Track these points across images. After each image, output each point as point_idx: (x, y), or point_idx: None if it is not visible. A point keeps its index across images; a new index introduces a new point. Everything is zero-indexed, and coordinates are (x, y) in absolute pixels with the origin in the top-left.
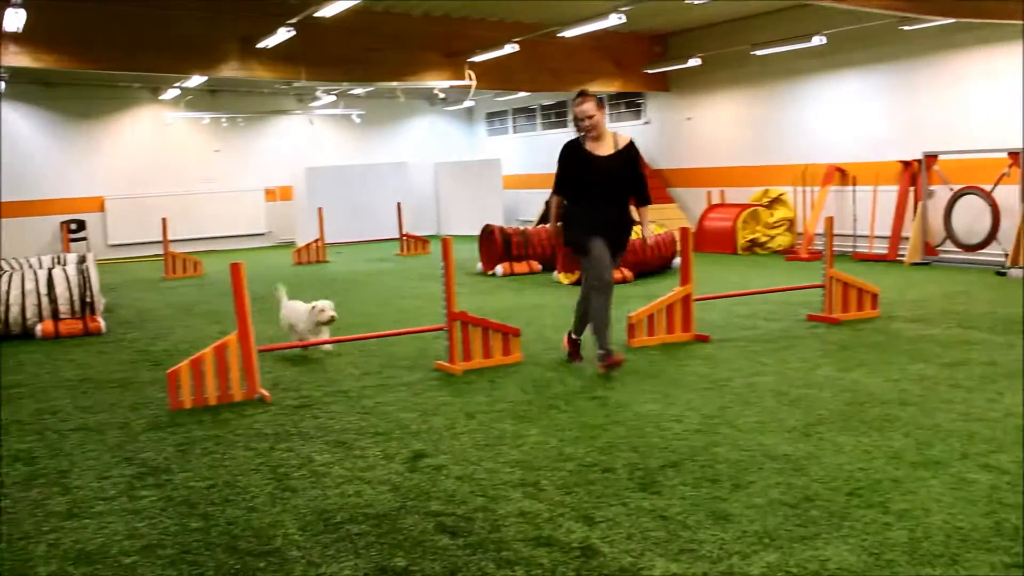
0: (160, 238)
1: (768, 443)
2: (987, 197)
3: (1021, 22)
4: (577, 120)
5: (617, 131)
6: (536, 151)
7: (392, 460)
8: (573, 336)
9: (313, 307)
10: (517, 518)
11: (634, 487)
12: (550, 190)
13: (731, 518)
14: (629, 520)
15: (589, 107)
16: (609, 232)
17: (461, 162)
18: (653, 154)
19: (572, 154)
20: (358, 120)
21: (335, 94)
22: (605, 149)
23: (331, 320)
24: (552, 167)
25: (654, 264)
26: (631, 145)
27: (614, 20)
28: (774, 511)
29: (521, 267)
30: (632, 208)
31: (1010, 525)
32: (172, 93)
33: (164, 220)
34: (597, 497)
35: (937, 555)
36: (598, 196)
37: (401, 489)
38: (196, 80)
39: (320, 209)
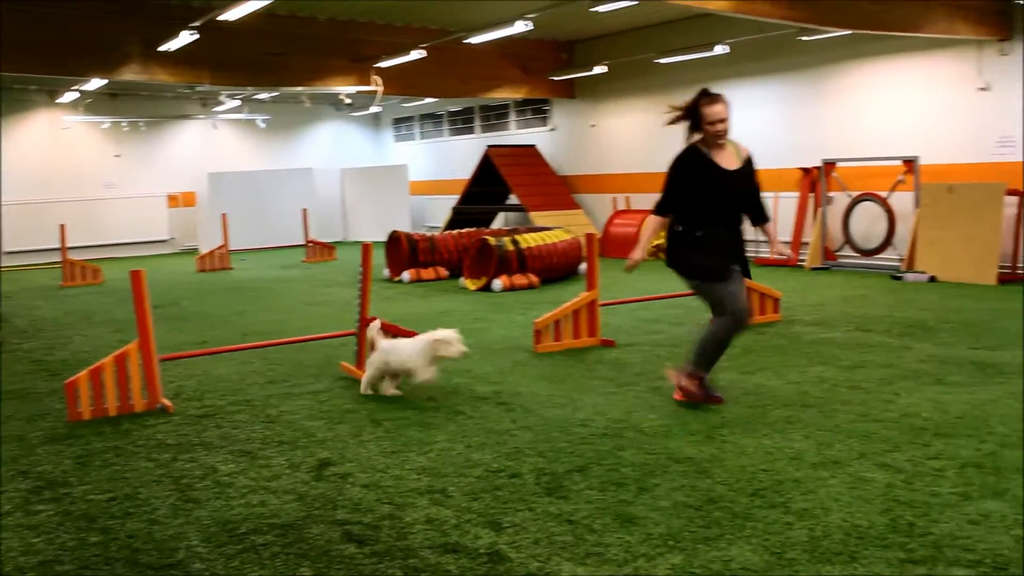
0: (58, 245)
1: (673, 446)
2: (883, 203)
3: (917, 34)
4: (706, 123)
5: (737, 140)
6: (443, 157)
7: (298, 469)
8: (696, 373)
9: (435, 339)
10: (424, 525)
11: (541, 492)
12: (457, 197)
13: (637, 521)
14: (536, 525)
15: (723, 109)
16: (739, 257)
17: (367, 168)
18: (559, 161)
19: (695, 166)
20: (263, 125)
21: (239, 99)
22: (730, 161)
23: (460, 356)
24: (461, 173)
25: (560, 270)
26: (752, 159)
27: (521, 27)
28: (679, 513)
29: (428, 273)
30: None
31: (905, 522)
32: (70, 96)
33: (62, 227)
34: (504, 503)
35: (836, 553)
36: (722, 216)
37: (307, 498)
38: (95, 83)
39: (224, 215)
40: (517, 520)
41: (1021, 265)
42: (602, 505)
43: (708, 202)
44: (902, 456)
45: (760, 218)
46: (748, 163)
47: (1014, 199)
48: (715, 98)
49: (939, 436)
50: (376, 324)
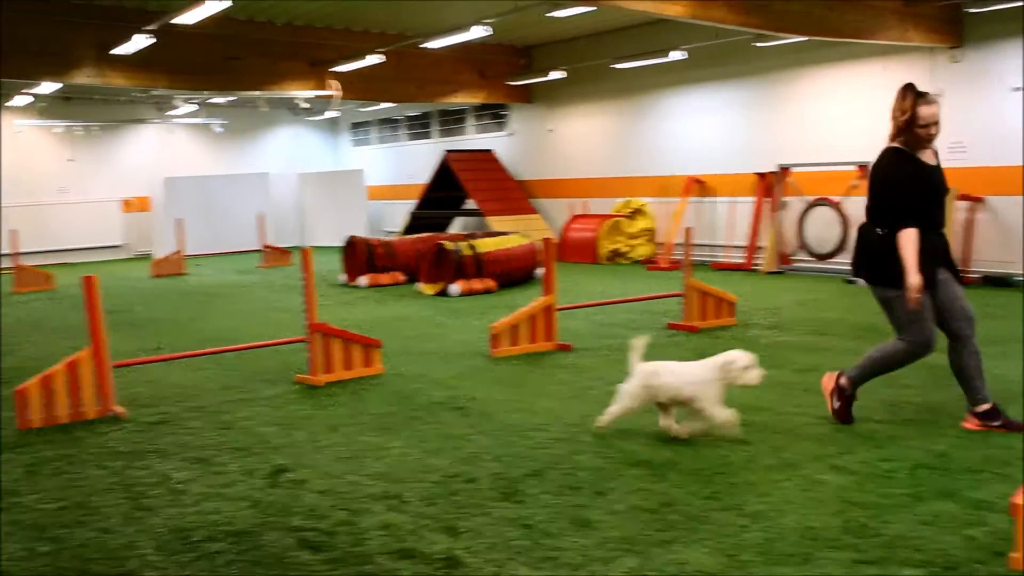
0: (8, 250)
1: (629, 450)
2: (837, 208)
3: (870, 40)
4: (919, 126)
5: None
6: (401, 162)
7: (252, 476)
8: (986, 408)
9: (728, 362)
10: (380, 531)
11: (497, 497)
12: (415, 202)
13: (593, 525)
14: (492, 530)
15: (937, 110)
16: (948, 262)
17: (325, 173)
18: (517, 165)
19: (915, 169)
20: (219, 130)
21: (195, 103)
22: (934, 159)
23: (759, 382)
24: (419, 178)
25: (518, 274)
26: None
27: (479, 32)
28: (634, 517)
29: (385, 278)
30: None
31: (857, 523)
32: (22, 100)
33: (13, 232)
34: (460, 508)
35: (790, 554)
36: (938, 217)
37: (262, 505)
38: (49, 87)
39: (179, 220)
40: (473, 525)
41: (973, 269)
42: (558, 509)
43: (931, 208)
44: (855, 458)
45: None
46: (938, 163)
47: (965, 204)
48: (929, 99)
49: (891, 438)
50: (641, 341)
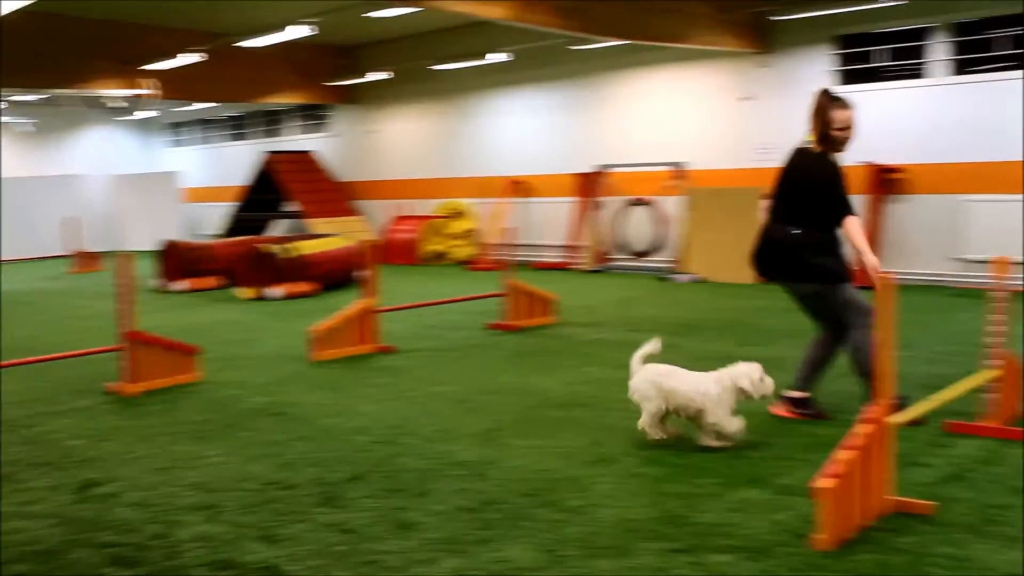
0: None
1: (450, 450)
2: (654, 207)
3: (684, 45)
4: (835, 128)
5: None
6: (221, 163)
7: (59, 491)
8: (801, 395)
9: (736, 375)
10: (196, 542)
11: (318, 502)
12: (234, 204)
13: (415, 526)
14: (313, 536)
15: (852, 114)
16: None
17: (140, 175)
18: (339, 167)
19: (836, 167)
20: (30, 129)
21: (3, 102)
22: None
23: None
24: (238, 179)
25: (339, 277)
26: None
27: (300, 31)
28: (456, 517)
29: (204, 282)
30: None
31: (672, 513)
32: None
33: None
34: (280, 515)
35: (608, 547)
36: (839, 218)
37: (69, 521)
38: None
39: None
40: (293, 532)
41: None
42: (379, 512)
43: (837, 205)
44: (670, 450)
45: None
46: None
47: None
48: (845, 103)
49: None
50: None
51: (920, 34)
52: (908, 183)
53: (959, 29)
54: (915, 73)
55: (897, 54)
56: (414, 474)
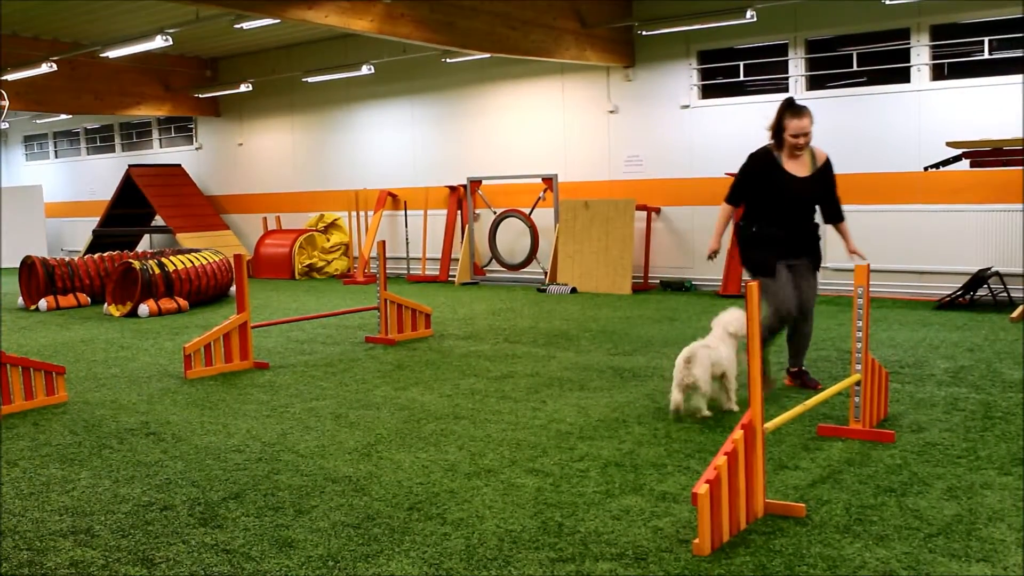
0: None
1: (329, 466)
2: (526, 219)
3: (551, 59)
4: (788, 135)
5: (816, 145)
6: (82, 177)
7: None
8: (793, 370)
9: (733, 321)
10: (68, 570)
11: (195, 523)
12: (97, 219)
13: (295, 544)
14: (191, 558)
15: (808, 124)
16: (805, 253)
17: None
18: (206, 180)
19: (763, 168)
20: None
21: None
22: (803, 169)
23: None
24: (101, 194)
25: (210, 292)
26: (829, 162)
27: (160, 42)
28: (337, 533)
29: (68, 300)
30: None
31: (555, 523)
32: None
33: None
34: (155, 537)
35: (491, 558)
36: (787, 218)
37: None
38: None
39: None
40: (170, 554)
41: (652, 275)
42: (259, 531)
43: (767, 202)
44: (550, 460)
45: (835, 217)
46: (822, 169)
47: (643, 214)
48: (800, 112)
49: (583, 439)
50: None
51: (778, 50)
52: None
53: (813, 46)
54: (776, 88)
55: (758, 69)
56: (294, 491)
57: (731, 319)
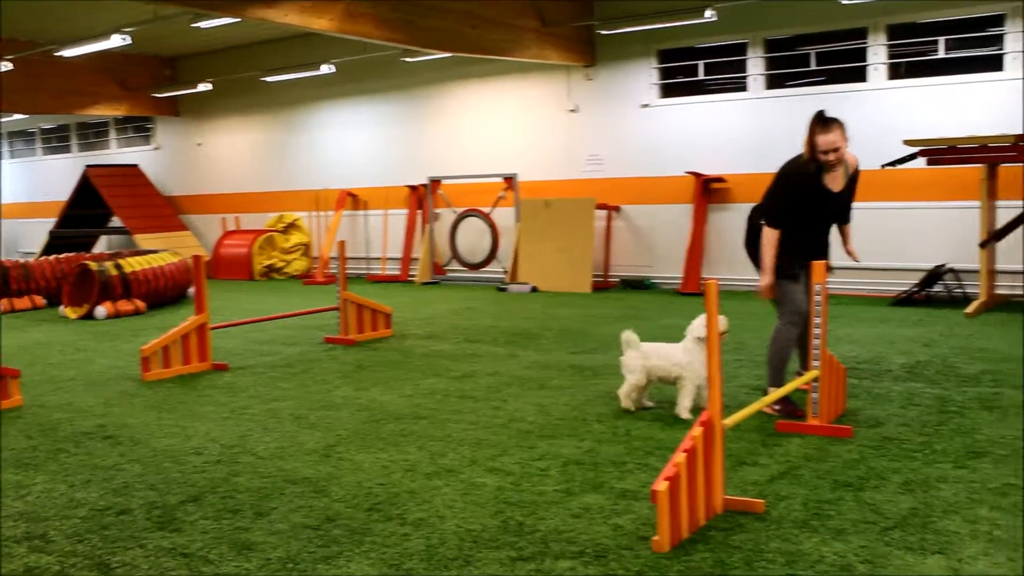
0: None
1: (289, 468)
2: (487, 219)
3: (511, 58)
4: (819, 152)
5: (850, 153)
6: (37, 177)
7: None
8: (771, 388)
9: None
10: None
11: (152, 527)
12: (54, 220)
13: (254, 547)
14: (148, 562)
15: (837, 138)
16: (813, 259)
17: None
18: (165, 181)
19: (806, 189)
20: None
21: None
22: (839, 182)
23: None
24: (58, 194)
25: (169, 294)
26: (858, 169)
27: (118, 41)
28: (297, 535)
29: (23, 303)
30: None
31: (515, 522)
32: None
33: None
34: (112, 542)
35: (452, 558)
36: (817, 229)
37: None
38: None
39: None
40: (127, 559)
41: (612, 274)
42: (218, 534)
43: (802, 216)
44: (511, 459)
45: (844, 219)
46: (853, 179)
47: (603, 212)
48: (828, 126)
49: (543, 438)
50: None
51: (738, 49)
52: (730, 193)
53: (772, 45)
54: (735, 87)
55: (718, 68)
56: (253, 493)
57: (699, 324)
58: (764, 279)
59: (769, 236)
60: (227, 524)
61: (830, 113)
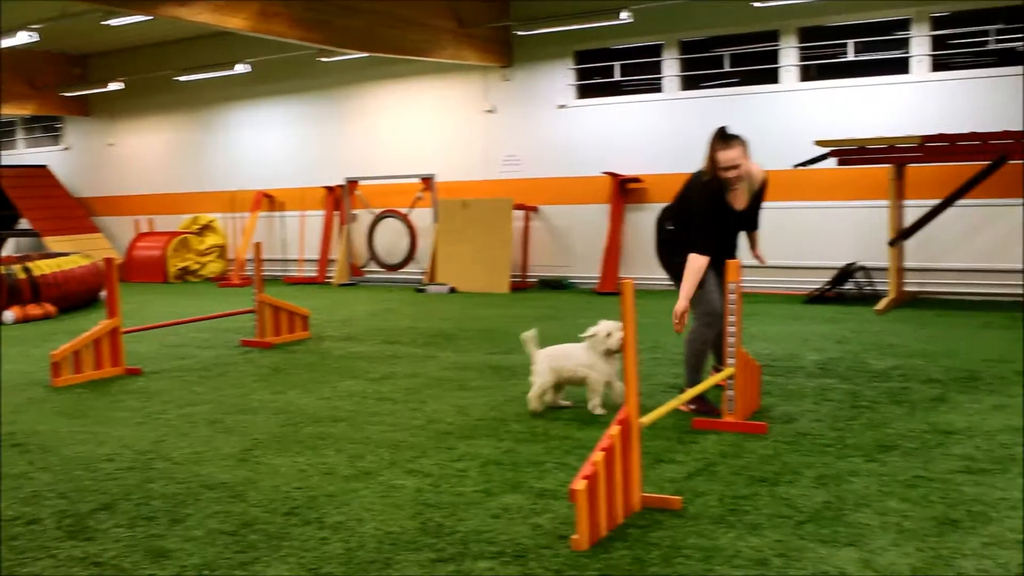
0: None
1: (205, 473)
2: (404, 219)
3: (428, 59)
4: (719, 168)
5: (752, 164)
6: None
7: None
8: (688, 388)
9: (593, 336)
10: None
11: (64, 536)
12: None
13: (169, 554)
14: (59, 572)
15: (738, 155)
16: (722, 261)
17: None
18: (75, 182)
19: (715, 207)
20: None
21: None
22: (742, 200)
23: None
24: None
25: (80, 297)
26: (765, 183)
27: (25, 38)
28: (213, 541)
29: None
30: None
31: (434, 523)
32: None
33: None
34: (21, 553)
35: (371, 561)
36: (723, 240)
37: None
38: None
39: None
40: (37, 570)
41: (531, 274)
42: (132, 542)
43: (693, 232)
44: (430, 461)
45: (752, 227)
46: (758, 194)
47: (521, 213)
48: (729, 143)
49: (462, 439)
50: (531, 333)
51: (653, 51)
52: (646, 193)
53: (687, 47)
54: (651, 88)
55: (634, 69)
56: (168, 500)
57: (599, 329)
58: (681, 304)
59: (696, 264)
60: (141, 532)
61: (732, 129)
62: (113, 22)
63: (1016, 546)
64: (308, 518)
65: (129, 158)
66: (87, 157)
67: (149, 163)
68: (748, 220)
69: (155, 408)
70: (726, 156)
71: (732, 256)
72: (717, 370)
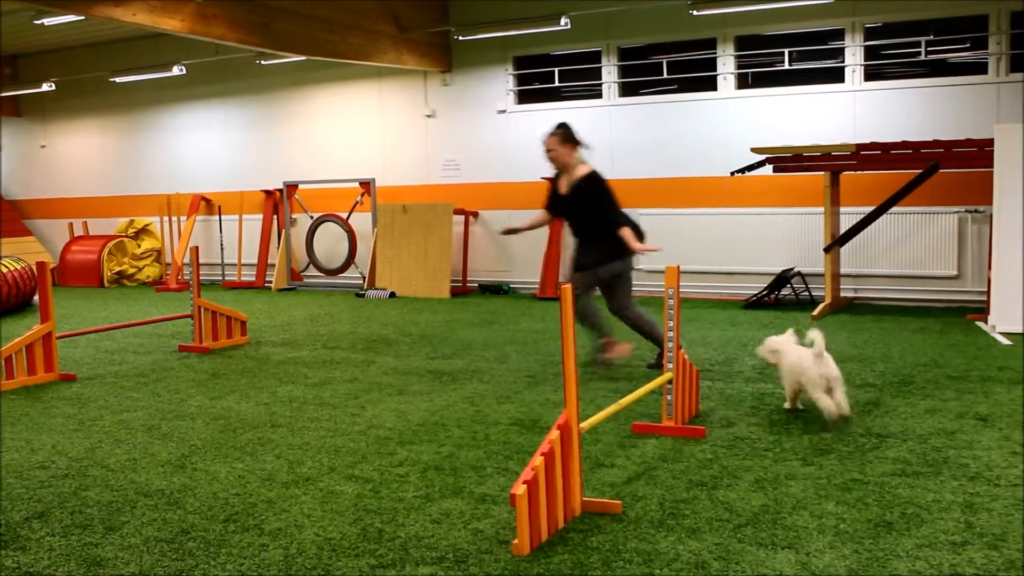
0: None
1: (141, 480)
2: (344, 224)
3: (368, 63)
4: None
5: (584, 163)
6: None
7: None
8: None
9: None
10: None
11: None
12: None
13: (105, 563)
14: None
15: (550, 142)
16: (581, 264)
17: None
18: (6, 184)
19: (553, 184)
20: None
21: None
22: (564, 186)
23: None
24: None
25: (11, 302)
26: (587, 178)
27: None
28: (150, 549)
29: None
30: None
31: (375, 529)
32: None
33: None
34: None
35: (311, 568)
36: (571, 230)
37: None
38: None
39: None
40: None
41: (471, 279)
42: (66, 551)
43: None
44: (369, 466)
45: (610, 226)
46: (578, 188)
47: (461, 217)
48: (550, 132)
49: (403, 444)
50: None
51: (592, 57)
52: None
53: (625, 54)
54: (590, 94)
55: (573, 75)
56: (103, 507)
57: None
58: (517, 224)
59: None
60: (76, 540)
61: (573, 124)
62: (45, 21)
63: (948, 547)
64: (247, 525)
65: (62, 160)
66: (18, 159)
67: (83, 165)
68: (575, 208)
69: (90, 414)
70: (545, 141)
71: (583, 256)
72: (608, 339)
